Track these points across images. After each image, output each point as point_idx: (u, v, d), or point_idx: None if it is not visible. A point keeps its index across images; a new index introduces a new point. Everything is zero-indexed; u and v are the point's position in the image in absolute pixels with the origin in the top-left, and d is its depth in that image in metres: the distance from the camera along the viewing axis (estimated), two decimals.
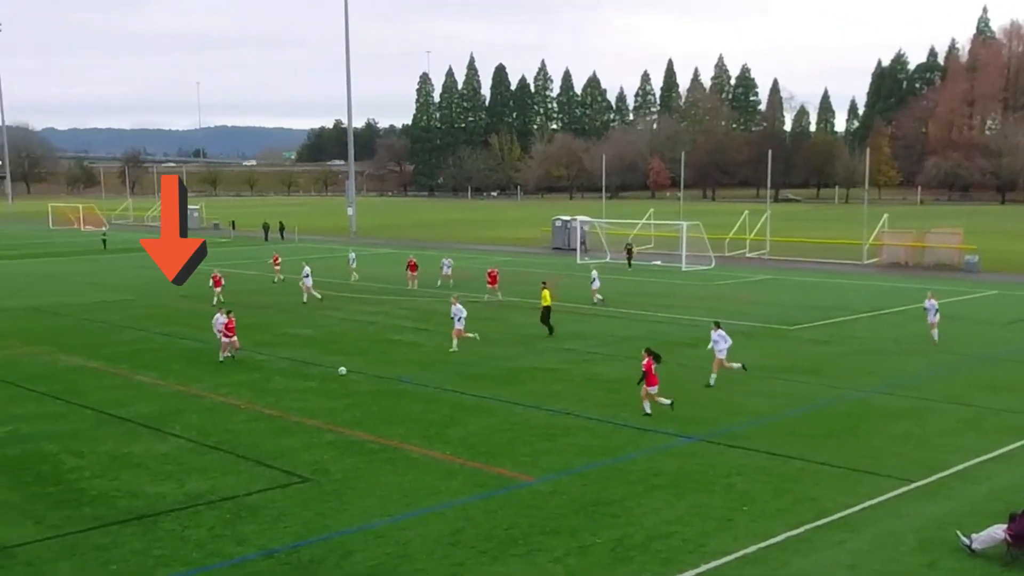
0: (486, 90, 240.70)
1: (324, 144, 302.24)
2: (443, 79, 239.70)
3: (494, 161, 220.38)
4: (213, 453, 20.72)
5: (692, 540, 15.66)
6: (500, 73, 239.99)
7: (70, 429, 22.78)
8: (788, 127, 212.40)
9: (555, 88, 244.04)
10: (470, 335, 32.77)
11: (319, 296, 44.46)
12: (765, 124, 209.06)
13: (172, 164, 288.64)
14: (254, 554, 15.19)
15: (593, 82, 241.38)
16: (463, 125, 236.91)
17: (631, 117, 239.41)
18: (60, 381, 28.19)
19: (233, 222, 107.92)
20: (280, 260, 54.86)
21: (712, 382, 26.46)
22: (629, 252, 62.93)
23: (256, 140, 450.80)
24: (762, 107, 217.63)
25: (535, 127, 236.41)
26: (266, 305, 43.97)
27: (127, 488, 18.40)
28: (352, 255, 57.43)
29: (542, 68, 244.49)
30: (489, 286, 45.65)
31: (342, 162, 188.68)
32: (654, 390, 23.18)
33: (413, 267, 50.31)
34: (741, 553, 15.13)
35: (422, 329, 37.29)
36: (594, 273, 45.72)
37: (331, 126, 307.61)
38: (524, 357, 31.47)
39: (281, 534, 16.02)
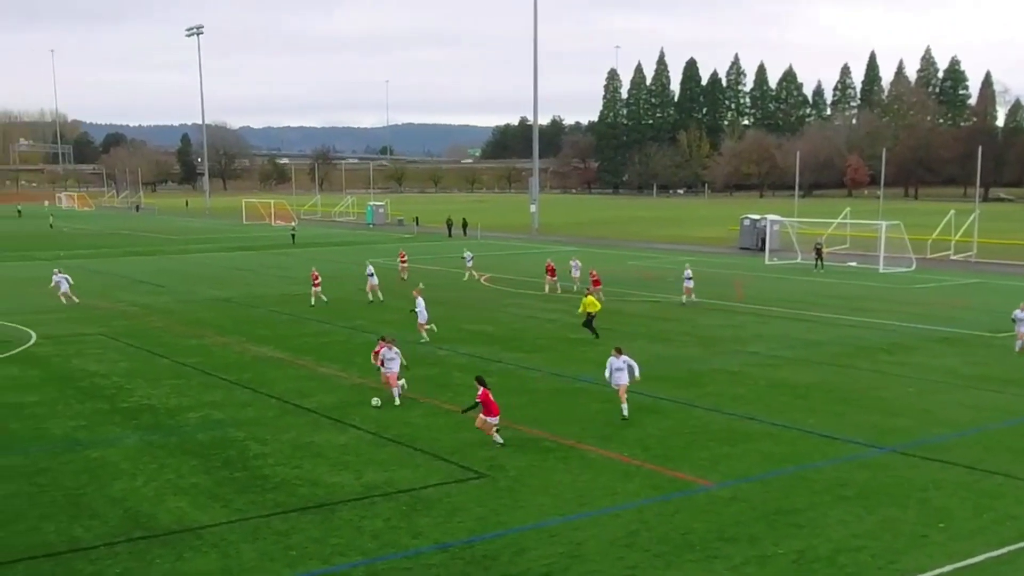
0: (675, 85, 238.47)
1: (508, 141, 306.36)
2: (631, 75, 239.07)
3: (681, 158, 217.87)
4: (391, 446, 21.35)
5: (882, 556, 15.06)
6: (691, 68, 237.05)
7: (256, 417, 23.98)
8: (1001, 122, 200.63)
9: (748, 83, 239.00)
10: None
11: (381, 297, 44.62)
12: (975, 119, 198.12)
13: (358, 161, 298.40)
14: (428, 547, 15.57)
15: (789, 76, 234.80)
16: (650, 121, 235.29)
17: (828, 112, 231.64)
18: (249, 370, 29.72)
19: (417, 218, 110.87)
20: (407, 258, 56.12)
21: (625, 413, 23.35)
22: (819, 252, 60.94)
23: (442, 137, 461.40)
24: (972, 101, 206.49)
25: (725, 123, 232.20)
26: (446, 300, 44.94)
27: (308, 476, 19.20)
28: (468, 254, 56.79)
29: (735, 62, 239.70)
30: (592, 287, 43.72)
31: (526, 159, 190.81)
32: (494, 421, 20.88)
33: (551, 271, 48.59)
34: (935, 572, 14.44)
35: (600, 328, 37.23)
36: (687, 271, 44.25)
37: (516, 123, 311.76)
38: (704, 359, 31.03)
39: (455, 528, 16.36)
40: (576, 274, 49.61)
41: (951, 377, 27.49)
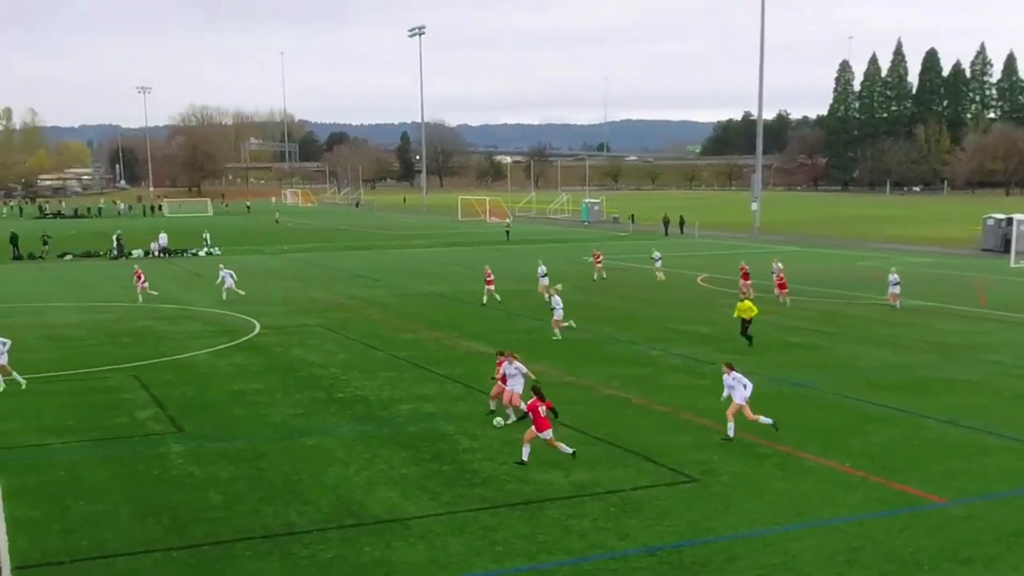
0: (912, 77, 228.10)
1: (730, 137, 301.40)
2: (865, 66, 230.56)
3: (918, 153, 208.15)
4: (601, 445, 21.34)
5: None
6: (931, 58, 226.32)
7: (466, 411, 24.50)
8: None
9: (995, 73, 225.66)
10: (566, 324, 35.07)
11: (498, 298, 44.05)
12: None
13: (573, 158, 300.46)
14: (636, 550, 15.46)
15: None
16: (885, 115, 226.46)
17: None
18: (460, 365, 30.43)
19: (632, 216, 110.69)
20: (601, 258, 55.49)
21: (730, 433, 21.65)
22: None
23: (660, 134, 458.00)
24: None
25: (968, 116, 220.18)
26: (661, 300, 44.64)
27: (516, 473, 19.43)
28: (657, 254, 55.35)
29: (980, 52, 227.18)
30: (778, 291, 42.77)
31: (749, 155, 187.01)
32: (547, 435, 19.69)
33: (745, 275, 45.30)
34: None
35: (822, 331, 36.06)
36: (893, 276, 41.54)
37: (739, 118, 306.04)
38: (940, 367, 29.46)
39: (665, 532, 16.18)
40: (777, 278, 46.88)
41: None
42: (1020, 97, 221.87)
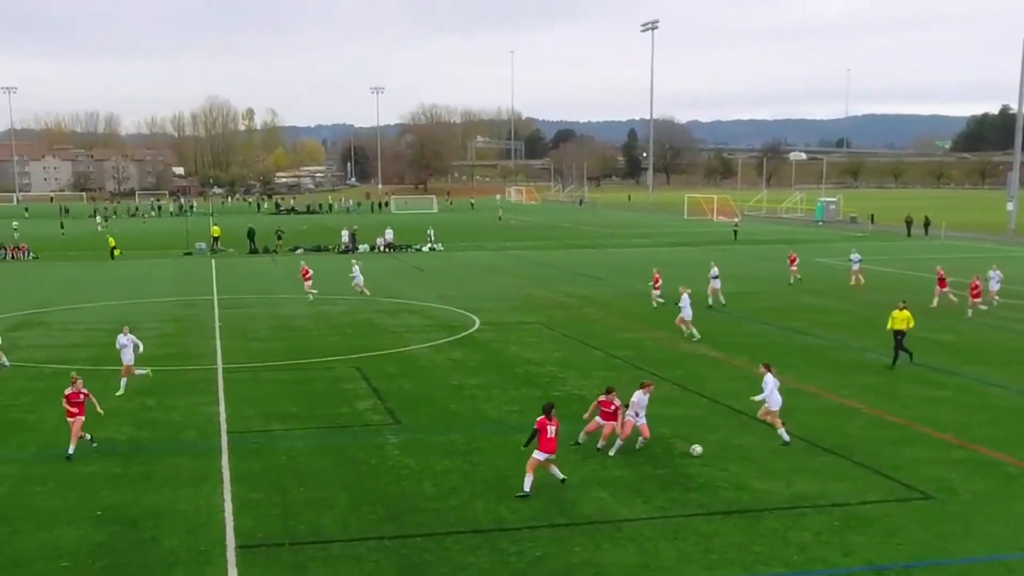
0: None
1: (985, 132, 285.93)
2: None
3: None
4: (826, 455, 20.69)
5: None
6: None
7: (683, 415, 24.28)
8: None
9: None
10: None
11: (723, 300, 43.27)
12: None
13: (809, 155, 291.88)
14: (860, 567, 14.92)
15: None
16: None
17: None
18: (680, 367, 30.17)
19: (872, 215, 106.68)
20: (796, 258, 53.52)
21: (785, 437, 21.49)
22: None
23: (907, 129, 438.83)
24: None
25: None
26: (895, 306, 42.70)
27: (733, 480, 19.11)
28: (856, 255, 52.70)
29: None
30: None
31: (1006, 151, 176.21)
32: (542, 457, 18.44)
33: (942, 281, 42.43)
34: None
35: None
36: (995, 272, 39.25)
37: (996, 112, 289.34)
38: None
39: (893, 551, 15.52)
40: (995, 286, 43.00)
41: None
42: None
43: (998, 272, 43.32)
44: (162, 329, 38.92)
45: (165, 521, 17.24)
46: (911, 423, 23.08)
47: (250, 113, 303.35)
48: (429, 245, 80.00)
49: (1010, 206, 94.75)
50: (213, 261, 70.25)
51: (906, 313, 29.99)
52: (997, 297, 42.55)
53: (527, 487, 18.31)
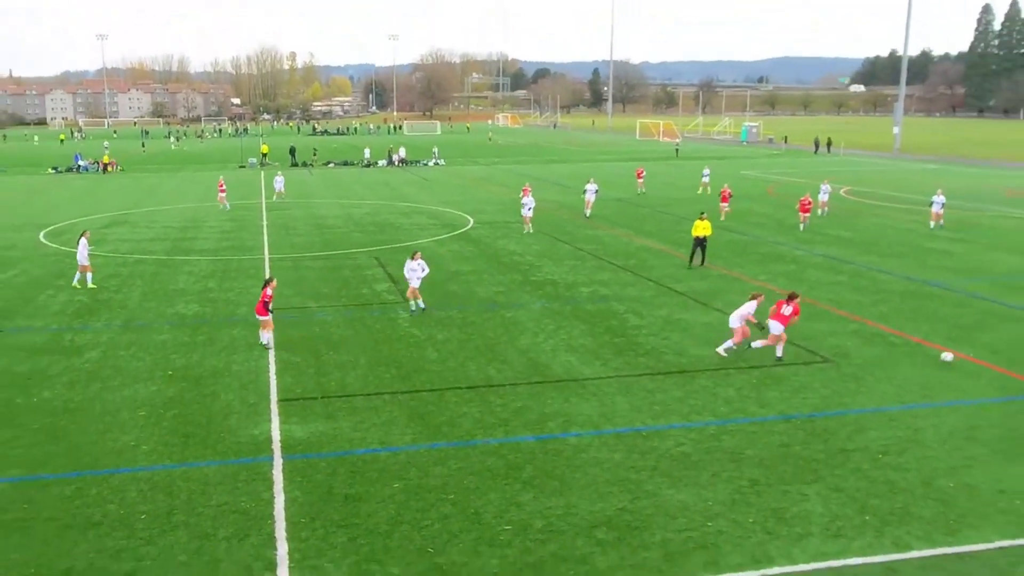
0: None
1: (877, 71, 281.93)
2: (1007, 8, 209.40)
3: None
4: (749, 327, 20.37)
5: None
6: None
7: (636, 295, 23.90)
8: None
9: None
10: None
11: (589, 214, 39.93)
12: None
13: (737, 88, 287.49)
14: (773, 416, 14.71)
15: None
16: (1022, 51, 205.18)
17: None
18: (633, 257, 29.73)
19: (786, 137, 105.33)
20: (644, 175, 52.16)
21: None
22: None
23: (816, 68, 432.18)
24: None
25: None
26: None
27: (674, 347, 18.83)
28: (706, 170, 51.89)
29: None
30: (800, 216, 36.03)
31: (893, 86, 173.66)
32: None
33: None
34: None
35: (957, 239, 33.26)
36: (938, 196, 36.04)
37: (886, 55, 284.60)
38: None
39: (800, 403, 15.32)
40: (824, 198, 39.94)
41: None
42: None
43: (828, 186, 40.84)
44: (221, 227, 38.19)
45: (223, 379, 16.92)
46: (815, 302, 22.74)
47: (293, 56, 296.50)
48: (434, 161, 78.70)
49: (896, 130, 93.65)
50: (262, 173, 68.93)
51: (707, 222, 28.07)
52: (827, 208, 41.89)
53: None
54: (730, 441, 13.62)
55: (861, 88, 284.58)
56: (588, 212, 39.95)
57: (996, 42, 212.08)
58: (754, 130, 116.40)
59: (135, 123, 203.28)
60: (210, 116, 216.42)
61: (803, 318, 20.93)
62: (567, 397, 15.71)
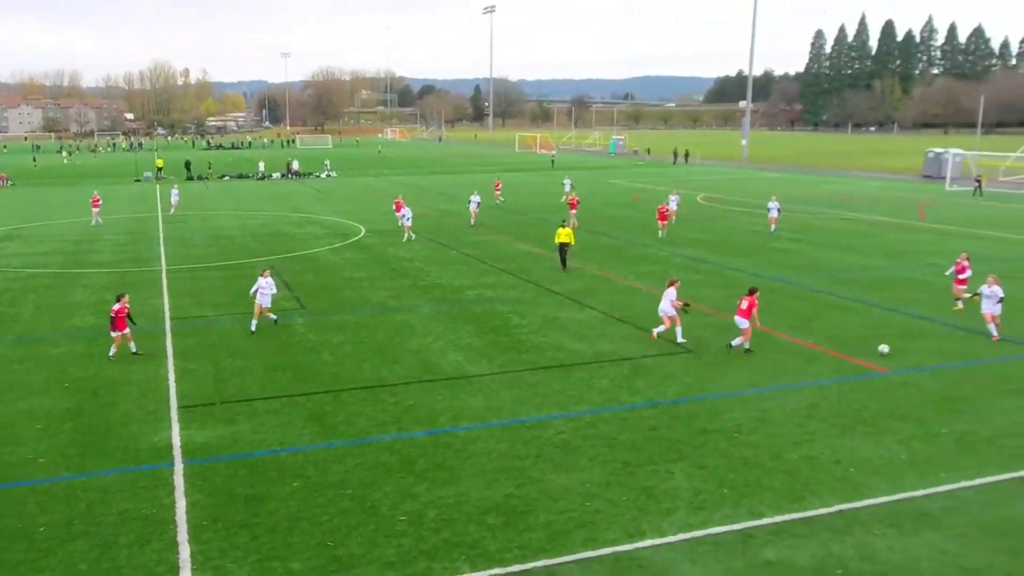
0: (873, 42, 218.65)
1: (727, 88, 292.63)
2: (835, 34, 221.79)
3: (874, 101, 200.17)
4: (619, 324, 20.88)
5: None
6: (888, 27, 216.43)
7: (518, 296, 24.11)
8: None
9: (939, 39, 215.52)
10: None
11: (472, 223, 39.28)
12: None
13: (604, 104, 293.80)
14: (642, 403, 15.12)
15: (978, 31, 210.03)
16: (849, 71, 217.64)
17: (1014, 62, 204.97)
18: (514, 261, 29.96)
19: (648, 149, 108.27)
20: (501, 185, 52.11)
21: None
22: (979, 182, 54.24)
23: (674, 86, 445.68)
24: None
25: (916, 72, 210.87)
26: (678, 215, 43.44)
27: (553, 343, 19.10)
28: (568, 181, 51.96)
29: (928, 21, 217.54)
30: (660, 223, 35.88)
31: (741, 102, 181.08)
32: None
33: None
34: None
35: (797, 239, 34.96)
36: (773, 203, 37.16)
37: (734, 74, 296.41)
38: (888, 268, 28.43)
39: (666, 391, 15.80)
40: (673, 207, 38.20)
41: None
42: (959, 57, 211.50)
43: (676, 196, 40.24)
44: (117, 240, 36.46)
45: (121, 389, 16.17)
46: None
47: (186, 72, 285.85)
48: (327, 173, 77.29)
49: (744, 142, 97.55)
50: (158, 186, 66.20)
51: (568, 229, 28.14)
52: (675, 216, 43.50)
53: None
54: (605, 427, 13.93)
55: (713, 105, 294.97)
56: (473, 222, 39.99)
57: (828, 64, 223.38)
58: (621, 143, 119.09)
59: (26, 138, 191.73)
60: (103, 131, 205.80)
61: None
62: (456, 393, 15.73)
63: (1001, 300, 19.07)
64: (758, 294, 18.28)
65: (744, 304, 17.90)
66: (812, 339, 19.24)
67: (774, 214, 37.06)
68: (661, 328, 18.87)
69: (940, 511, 11.01)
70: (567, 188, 51.09)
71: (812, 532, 10.49)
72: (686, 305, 18.97)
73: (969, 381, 16.23)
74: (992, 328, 19.05)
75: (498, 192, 51.39)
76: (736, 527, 10.61)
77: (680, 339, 18.61)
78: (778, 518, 10.84)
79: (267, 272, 20.81)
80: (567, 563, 9.84)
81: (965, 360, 17.65)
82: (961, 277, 22.19)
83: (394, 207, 40.13)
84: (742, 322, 17.87)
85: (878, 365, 17.18)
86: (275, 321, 20.85)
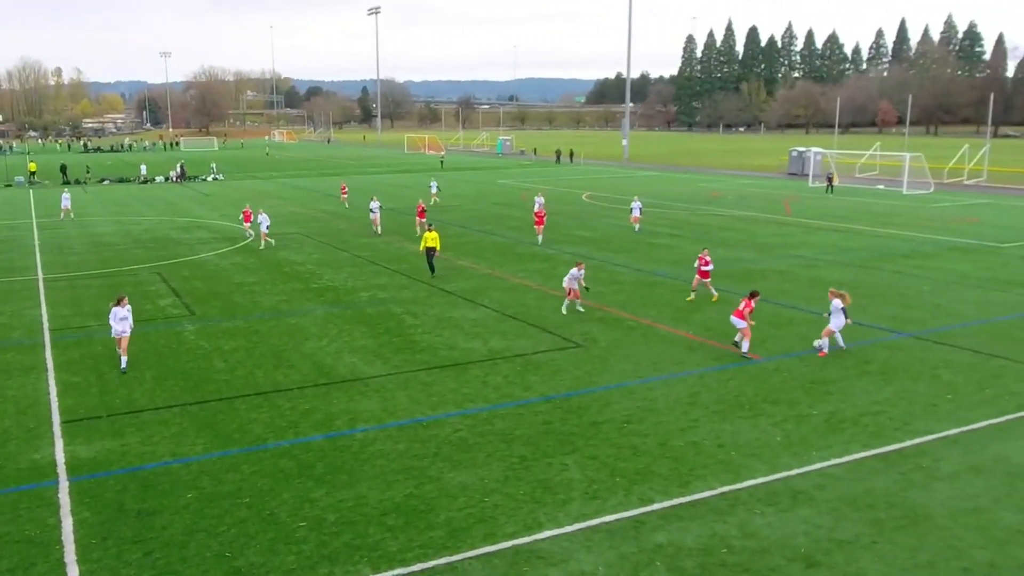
0: (740, 47, 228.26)
1: (607, 90, 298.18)
2: (705, 39, 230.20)
3: (743, 103, 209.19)
4: (511, 321, 21.04)
5: (898, 419, 14.14)
6: (753, 33, 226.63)
7: (411, 297, 23.95)
8: (1010, 74, 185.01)
9: (799, 44, 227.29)
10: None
11: (379, 231, 37.19)
12: (988, 71, 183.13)
13: (491, 106, 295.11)
14: (536, 398, 15.29)
15: (832, 38, 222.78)
16: (719, 75, 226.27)
17: (864, 67, 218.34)
18: (405, 262, 29.72)
19: (535, 149, 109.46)
20: (347, 189, 50.82)
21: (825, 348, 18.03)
22: (830, 180, 57.58)
23: (557, 88, 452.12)
24: (987, 57, 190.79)
25: (779, 75, 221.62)
26: (559, 212, 44.08)
27: (447, 343, 19.07)
28: (434, 183, 51.11)
29: (788, 28, 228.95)
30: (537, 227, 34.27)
31: (620, 104, 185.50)
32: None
33: (422, 212, 36.93)
34: (943, 434, 13.47)
35: (675, 235, 36.08)
36: (636, 203, 37.54)
37: (613, 76, 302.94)
38: (758, 261, 29.70)
39: (558, 385, 16.02)
40: (637, 213, 37.42)
41: (962, 279, 25.67)
42: (816, 61, 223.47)
43: (541, 198, 39.36)
44: None
45: None
46: (566, 295, 23.80)
47: (58, 71, 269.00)
48: (213, 176, 74.58)
49: (624, 142, 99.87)
50: (31, 191, 62.30)
51: (434, 234, 26.90)
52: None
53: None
54: (501, 423, 14.01)
55: (594, 107, 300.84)
56: (378, 230, 37.29)
57: (699, 67, 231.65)
58: (508, 143, 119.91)
59: None
60: None
61: (554, 310, 21.97)
62: (352, 396, 15.49)
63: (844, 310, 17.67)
64: (758, 298, 18.16)
65: (741, 305, 17.90)
66: (692, 330, 19.91)
67: (636, 214, 37.11)
68: (568, 302, 21.14)
69: (813, 488, 11.60)
70: (433, 190, 50.04)
71: (698, 514, 10.86)
72: (586, 287, 20.67)
73: (834, 365, 17.16)
74: (825, 343, 17.74)
75: (345, 196, 48.96)
76: (628, 514, 10.87)
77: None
78: (667, 503, 11.17)
79: (123, 299, 17.55)
80: (468, 559, 9.85)
81: (831, 345, 18.61)
82: (704, 270, 22.86)
83: (242, 217, 36.47)
84: (739, 322, 17.81)
85: (752, 353, 17.92)
86: (123, 371, 17.09)
